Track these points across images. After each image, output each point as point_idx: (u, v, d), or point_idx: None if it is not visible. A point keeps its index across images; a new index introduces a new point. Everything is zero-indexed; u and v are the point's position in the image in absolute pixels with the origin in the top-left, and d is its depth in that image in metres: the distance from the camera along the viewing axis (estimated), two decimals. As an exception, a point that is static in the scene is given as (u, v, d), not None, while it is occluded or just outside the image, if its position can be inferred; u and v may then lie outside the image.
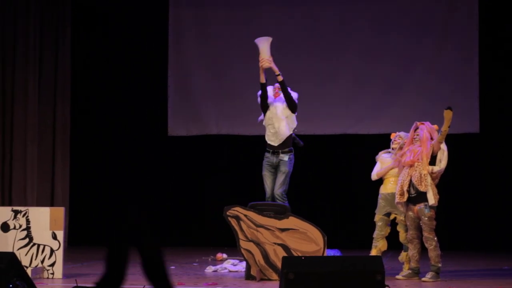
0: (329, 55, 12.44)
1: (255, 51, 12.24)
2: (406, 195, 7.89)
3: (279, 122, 8.67)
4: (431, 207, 7.84)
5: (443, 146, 7.97)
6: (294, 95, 8.82)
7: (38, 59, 12.81)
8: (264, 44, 8.73)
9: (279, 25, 12.52)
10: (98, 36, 13.15)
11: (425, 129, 8.06)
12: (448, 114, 7.83)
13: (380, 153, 8.64)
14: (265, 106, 8.80)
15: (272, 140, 8.73)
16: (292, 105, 8.70)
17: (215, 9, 12.80)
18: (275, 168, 8.72)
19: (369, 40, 12.35)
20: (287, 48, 12.42)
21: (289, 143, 8.76)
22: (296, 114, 8.81)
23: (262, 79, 8.76)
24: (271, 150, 8.74)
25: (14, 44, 12.73)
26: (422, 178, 7.82)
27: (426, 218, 7.84)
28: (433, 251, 7.88)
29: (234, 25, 12.74)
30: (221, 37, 12.75)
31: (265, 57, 8.68)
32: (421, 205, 7.85)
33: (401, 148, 8.30)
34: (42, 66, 12.88)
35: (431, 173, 7.87)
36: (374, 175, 8.51)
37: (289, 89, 8.77)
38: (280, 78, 8.68)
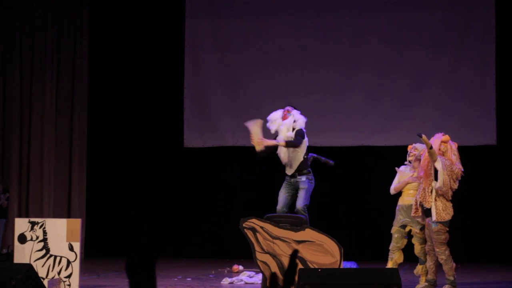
0: (345, 67, 12.43)
1: (271, 62, 12.31)
2: (420, 210, 7.86)
3: (283, 153, 8.64)
4: (439, 222, 7.78)
5: (437, 165, 7.84)
6: (301, 120, 8.70)
7: (55, 70, 12.92)
8: (254, 127, 8.57)
9: (295, 37, 12.54)
10: (114, 47, 13.22)
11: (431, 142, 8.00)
12: (424, 140, 7.75)
13: (402, 166, 8.61)
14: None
15: (286, 169, 8.74)
16: (294, 147, 8.63)
17: (231, 20, 12.84)
18: (294, 189, 8.70)
19: (384, 53, 12.33)
20: (302, 60, 12.44)
21: (304, 166, 8.68)
22: (306, 138, 8.70)
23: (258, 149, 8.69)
24: (289, 174, 8.75)
25: (31, 55, 12.84)
26: (426, 194, 7.79)
27: (433, 233, 7.80)
28: (446, 264, 7.84)
29: (250, 37, 12.76)
30: (237, 49, 12.77)
31: (256, 139, 8.53)
32: (429, 220, 7.82)
33: (417, 160, 8.27)
34: (59, 77, 12.97)
35: (436, 189, 7.81)
36: (392, 190, 8.48)
37: (298, 113, 8.69)
38: (282, 143, 8.57)
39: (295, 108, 8.78)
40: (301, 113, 8.73)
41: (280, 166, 8.91)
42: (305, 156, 8.74)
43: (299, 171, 8.66)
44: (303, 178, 8.68)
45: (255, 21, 12.80)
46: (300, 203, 8.64)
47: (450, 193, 7.87)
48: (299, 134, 8.55)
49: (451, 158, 7.88)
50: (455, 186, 7.87)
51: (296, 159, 8.63)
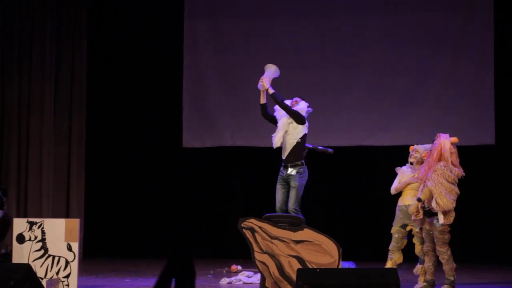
0: (344, 67, 12.41)
1: (271, 63, 12.28)
2: (421, 212, 7.84)
3: (278, 134, 8.72)
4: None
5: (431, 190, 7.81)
6: (303, 105, 8.79)
7: (54, 72, 12.89)
8: (270, 71, 8.81)
9: (294, 37, 12.53)
10: (113, 47, 13.20)
11: (439, 141, 7.93)
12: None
13: (404, 166, 8.58)
14: (273, 121, 8.88)
15: (282, 152, 8.78)
16: (295, 118, 8.69)
17: (230, 21, 12.82)
18: (287, 183, 8.73)
19: (384, 52, 12.32)
20: (302, 60, 12.43)
21: (297, 155, 8.70)
22: (306, 124, 8.75)
23: (262, 100, 8.92)
24: (283, 164, 8.78)
25: (30, 56, 12.83)
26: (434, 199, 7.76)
27: (437, 232, 7.79)
28: (447, 264, 7.84)
29: (248, 37, 12.74)
30: (236, 49, 12.75)
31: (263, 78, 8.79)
32: (433, 219, 7.80)
33: (419, 162, 8.25)
34: (58, 78, 12.95)
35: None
36: (393, 190, 8.47)
37: (307, 105, 8.78)
38: (270, 91, 8.75)
39: (302, 99, 8.87)
40: (309, 106, 8.86)
41: (277, 164, 8.91)
42: (299, 142, 8.70)
43: (291, 160, 8.66)
44: (294, 172, 8.66)
45: (255, 22, 12.77)
46: (291, 204, 8.67)
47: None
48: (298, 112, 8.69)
49: (456, 161, 7.84)
50: (457, 190, 7.80)
51: (289, 143, 8.67)
